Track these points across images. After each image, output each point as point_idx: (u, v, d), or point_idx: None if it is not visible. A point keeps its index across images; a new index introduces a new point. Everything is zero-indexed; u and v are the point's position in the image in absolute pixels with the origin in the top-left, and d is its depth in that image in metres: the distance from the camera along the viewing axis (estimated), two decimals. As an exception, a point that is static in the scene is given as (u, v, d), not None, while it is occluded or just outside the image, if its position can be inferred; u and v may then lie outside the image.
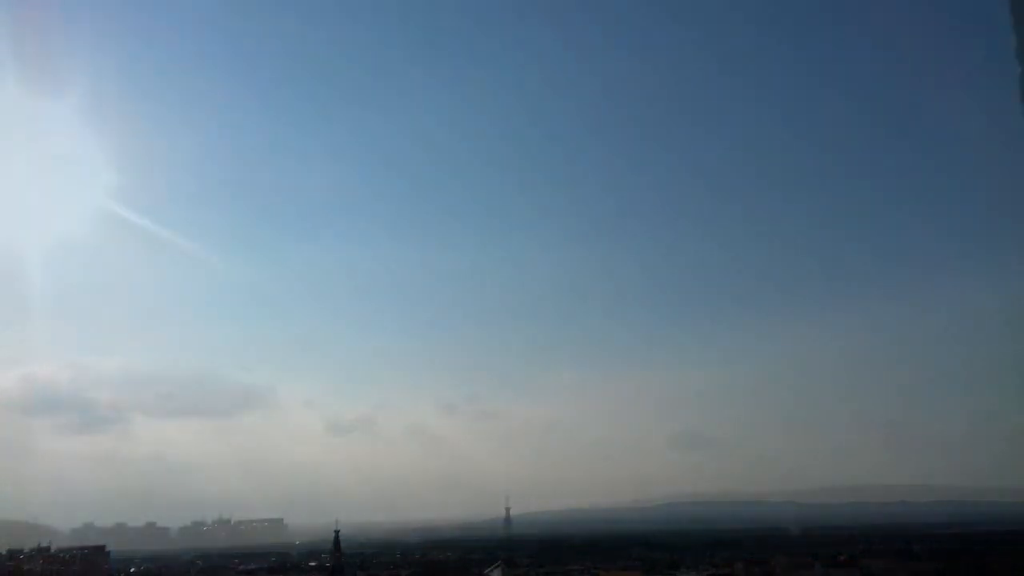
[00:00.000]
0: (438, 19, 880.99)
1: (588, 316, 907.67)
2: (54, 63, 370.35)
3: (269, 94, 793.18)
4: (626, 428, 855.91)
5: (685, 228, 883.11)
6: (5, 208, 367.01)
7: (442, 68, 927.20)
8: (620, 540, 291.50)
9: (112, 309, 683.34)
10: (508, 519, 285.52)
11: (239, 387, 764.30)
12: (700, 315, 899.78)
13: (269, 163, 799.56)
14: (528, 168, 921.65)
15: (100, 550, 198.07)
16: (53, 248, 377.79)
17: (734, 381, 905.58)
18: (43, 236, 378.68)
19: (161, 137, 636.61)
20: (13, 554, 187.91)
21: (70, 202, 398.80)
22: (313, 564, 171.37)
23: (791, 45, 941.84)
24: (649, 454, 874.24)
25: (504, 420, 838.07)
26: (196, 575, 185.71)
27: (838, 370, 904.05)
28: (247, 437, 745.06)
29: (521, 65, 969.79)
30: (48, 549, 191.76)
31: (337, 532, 71.47)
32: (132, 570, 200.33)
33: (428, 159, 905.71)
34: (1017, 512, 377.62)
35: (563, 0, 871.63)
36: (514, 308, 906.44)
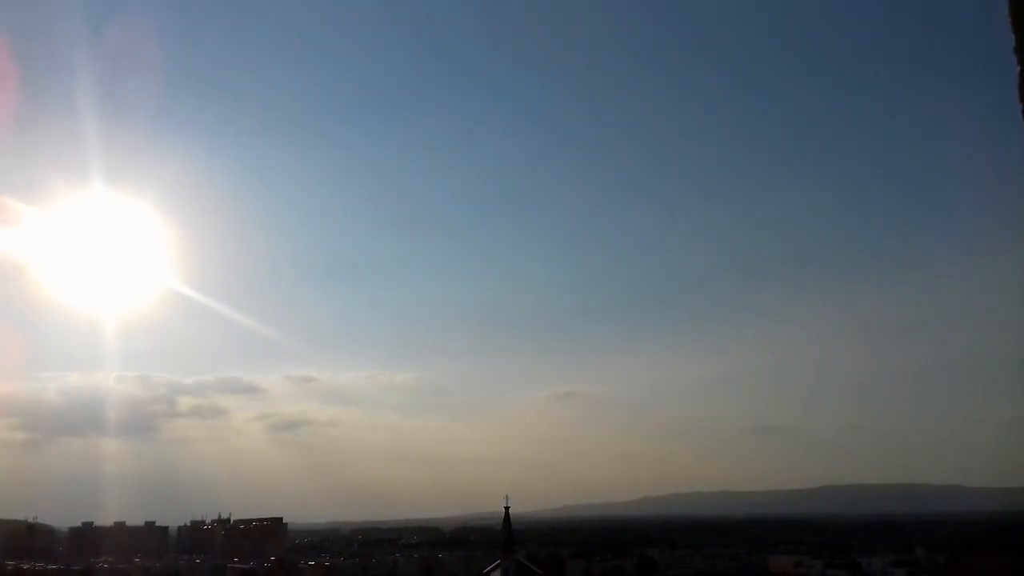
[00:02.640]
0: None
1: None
2: (137, 164, 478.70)
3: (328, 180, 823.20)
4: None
5: (682, 224, 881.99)
6: (88, 286, 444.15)
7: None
8: (760, 523, 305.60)
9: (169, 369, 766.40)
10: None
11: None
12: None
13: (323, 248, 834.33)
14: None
15: (278, 521, 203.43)
16: (128, 322, 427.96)
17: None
18: (120, 311, 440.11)
19: (226, 227, 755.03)
20: (196, 524, 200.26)
21: (143, 283, 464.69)
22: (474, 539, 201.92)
23: (785, 41, 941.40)
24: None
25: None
26: (359, 547, 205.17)
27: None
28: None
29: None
30: (228, 521, 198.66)
31: (507, 509, 71.52)
32: (297, 541, 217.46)
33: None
34: None
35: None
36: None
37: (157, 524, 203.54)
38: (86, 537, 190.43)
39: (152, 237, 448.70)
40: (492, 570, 71.65)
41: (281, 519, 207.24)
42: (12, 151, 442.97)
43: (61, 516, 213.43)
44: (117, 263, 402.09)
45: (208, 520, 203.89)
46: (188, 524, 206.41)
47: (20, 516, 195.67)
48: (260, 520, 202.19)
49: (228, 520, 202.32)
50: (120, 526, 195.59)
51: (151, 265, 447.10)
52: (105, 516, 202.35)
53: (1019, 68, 5.40)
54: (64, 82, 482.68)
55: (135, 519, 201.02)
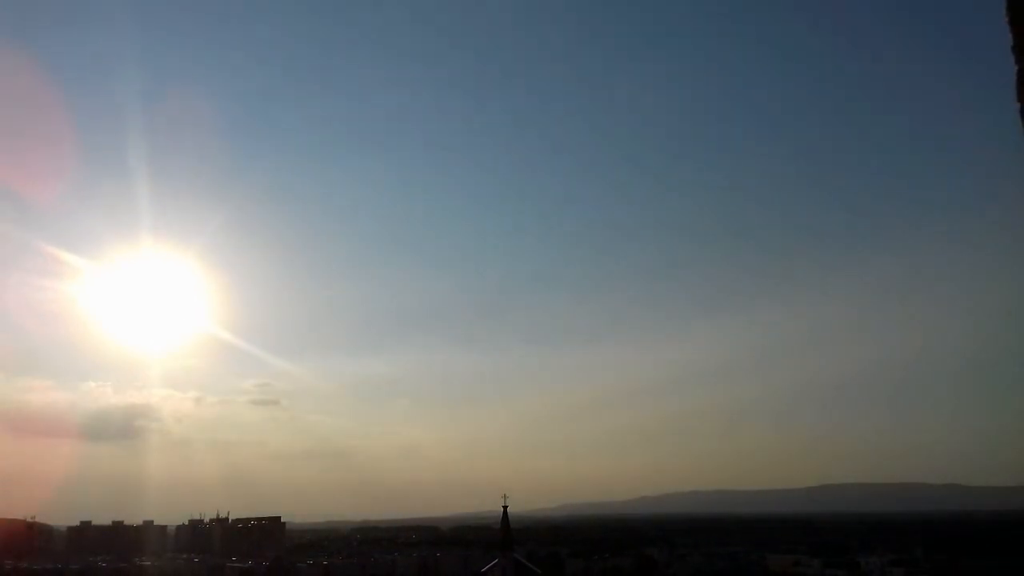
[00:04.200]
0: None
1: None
2: (182, 219, 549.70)
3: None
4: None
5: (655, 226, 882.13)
6: (135, 331, 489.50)
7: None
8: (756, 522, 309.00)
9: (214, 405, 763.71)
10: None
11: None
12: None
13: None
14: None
15: (276, 520, 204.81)
16: (170, 364, 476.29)
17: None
18: (163, 353, 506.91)
19: (264, 279, 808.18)
20: (195, 523, 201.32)
21: (185, 328, 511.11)
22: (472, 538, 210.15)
23: (784, 40, 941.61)
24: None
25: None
26: (357, 546, 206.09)
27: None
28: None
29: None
30: (227, 519, 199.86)
31: (505, 508, 72.13)
32: (296, 540, 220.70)
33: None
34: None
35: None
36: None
37: (155, 523, 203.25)
38: (85, 536, 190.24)
39: (195, 285, 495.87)
40: (490, 569, 71.61)
41: (279, 518, 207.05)
42: (71, 210, 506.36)
43: (61, 515, 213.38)
44: (161, 307, 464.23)
45: (206, 519, 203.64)
46: (187, 523, 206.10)
47: (19, 515, 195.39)
48: (258, 519, 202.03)
49: (226, 519, 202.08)
50: (118, 525, 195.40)
51: (191, 308, 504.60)
52: (105, 516, 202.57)
53: (1017, 67, 5.34)
54: (118, 147, 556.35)
55: (134, 518, 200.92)
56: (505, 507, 70.15)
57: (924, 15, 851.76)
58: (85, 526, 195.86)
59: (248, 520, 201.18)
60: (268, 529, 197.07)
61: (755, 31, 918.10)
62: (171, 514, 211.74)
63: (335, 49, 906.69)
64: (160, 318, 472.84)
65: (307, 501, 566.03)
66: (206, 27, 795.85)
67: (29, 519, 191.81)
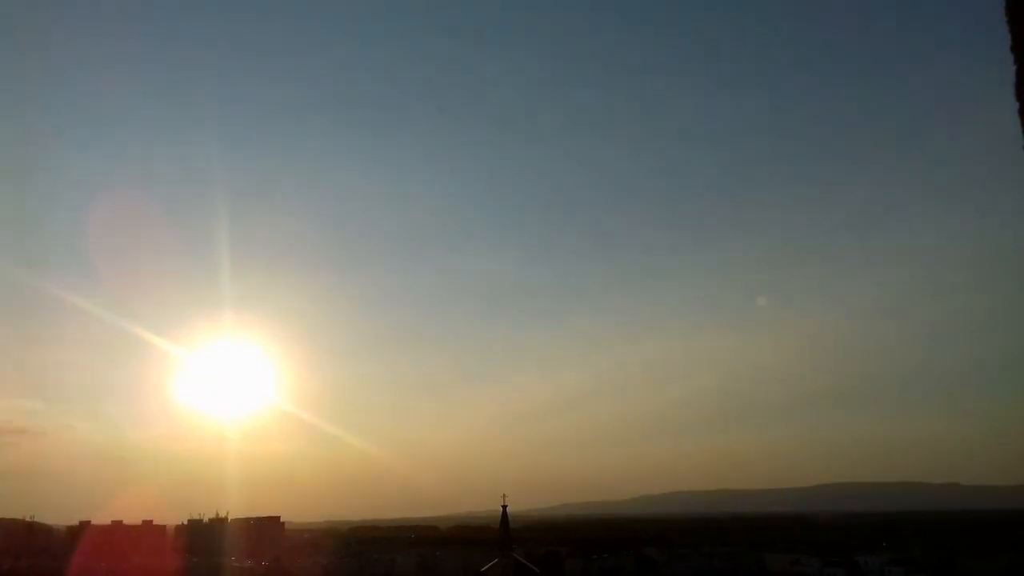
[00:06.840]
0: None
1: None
2: (258, 307, 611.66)
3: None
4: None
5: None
6: (209, 403, 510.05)
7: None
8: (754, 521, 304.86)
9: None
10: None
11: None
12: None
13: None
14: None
15: (275, 520, 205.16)
16: (236, 431, 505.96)
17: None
18: (229, 421, 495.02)
19: (319, 357, 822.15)
20: (193, 523, 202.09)
21: (253, 400, 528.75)
22: (472, 537, 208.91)
23: (782, 38, 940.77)
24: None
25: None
26: (356, 546, 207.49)
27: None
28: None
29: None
30: (225, 519, 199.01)
31: (505, 508, 72.65)
32: (295, 540, 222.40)
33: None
34: None
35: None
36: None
37: (154, 523, 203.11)
38: (83, 536, 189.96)
39: (271, 359, 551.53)
40: (490, 568, 71.78)
41: (278, 518, 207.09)
42: (158, 293, 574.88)
43: (59, 514, 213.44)
44: (240, 383, 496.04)
45: (206, 519, 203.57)
46: (186, 523, 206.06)
47: (18, 515, 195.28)
48: (258, 519, 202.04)
49: (226, 519, 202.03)
50: (117, 524, 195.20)
51: (265, 384, 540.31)
52: (103, 515, 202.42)
53: (1016, 67, 5.33)
54: (204, 235, 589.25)
55: (132, 518, 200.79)
56: (504, 507, 70.37)
57: (923, 14, 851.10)
58: (84, 526, 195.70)
59: (247, 519, 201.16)
60: (268, 529, 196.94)
61: (751, 31, 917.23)
62: (171, 514, 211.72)
63: (403, 124, 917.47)
64: (235, 391, 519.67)
65: (307, 501, 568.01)
66: (284, 104, 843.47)
67: (28, 519, 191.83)
